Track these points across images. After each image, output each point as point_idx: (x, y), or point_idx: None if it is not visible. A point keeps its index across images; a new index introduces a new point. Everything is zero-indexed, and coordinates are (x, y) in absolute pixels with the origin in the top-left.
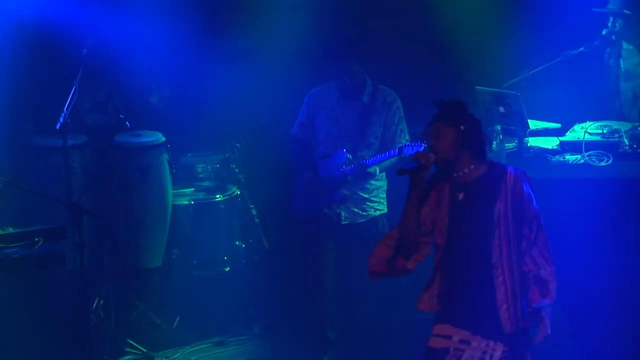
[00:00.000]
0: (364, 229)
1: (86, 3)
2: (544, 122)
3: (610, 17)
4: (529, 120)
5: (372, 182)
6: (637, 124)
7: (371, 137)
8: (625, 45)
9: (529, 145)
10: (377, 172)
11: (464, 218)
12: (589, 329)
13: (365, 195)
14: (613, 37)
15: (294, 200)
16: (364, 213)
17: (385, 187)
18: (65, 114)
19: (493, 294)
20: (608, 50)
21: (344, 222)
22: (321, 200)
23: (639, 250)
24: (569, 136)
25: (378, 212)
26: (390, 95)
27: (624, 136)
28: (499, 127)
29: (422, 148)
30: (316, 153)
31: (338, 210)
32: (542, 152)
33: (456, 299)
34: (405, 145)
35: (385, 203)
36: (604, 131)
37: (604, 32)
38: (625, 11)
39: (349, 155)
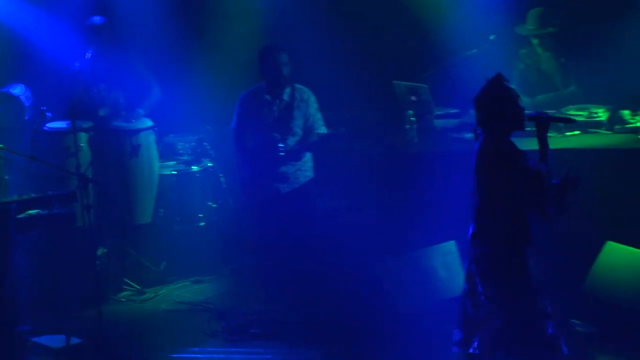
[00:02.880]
0: (299, 193)
1: (82, 32)
2: (447, 108)
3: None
4: (434, 106)
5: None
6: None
7: (295, 128)
8: (540, 50)
9: (434, 125)
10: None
11: None
12: None
13: (296, 168)
14: (535, 44)
15: (242, 184)
16: (297, 180)
17: (311, 158)
18: (73, 105)
19: None
20: (524, 51)
21: (283, 192)
22: (266, 180)
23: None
24: (466, 118)
25: (308, 178)
26: (306, 92)
27: None
28: (411, 112)
29: None
30: (253, 143)
31: (278, 185)
32: (445, 131)
33: None
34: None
35: (312, 169)
36: None
37: (491, 37)
38: (550, 29)
39: (281, 144)
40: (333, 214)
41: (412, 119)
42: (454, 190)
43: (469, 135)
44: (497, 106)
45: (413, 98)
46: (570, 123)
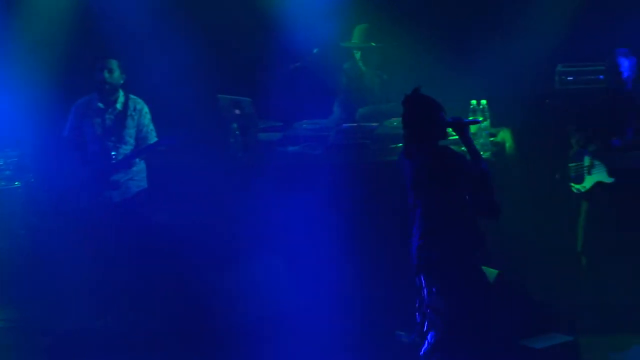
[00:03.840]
0: (132, 202)
1: None
2: (271, 121)
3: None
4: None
5: (133, 168)
6: (341, 121)
7: (127, 137)
8: (361, 64)
9: (259, 139)
10: (138, 160)
11: None
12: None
13: (128, 177)
14: (357, 58)
15: (73, 192)
16: (129, 190)
17: (144, 168)
18: None
19: None
20: (347, 66)
21: (115, 201)
22: (99, 189)
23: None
24: (290, 131)
25: (140, 188)
26: (140, 103)
27: (333, 131)
28: (235, 125)
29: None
30: (86, 151)
31: (110, 193)
32: (269, 144)
33: None
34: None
35: (145, 180)
36: (317, 127)
37: (315, 51)
38: (372, 44)
39: (113, 152)
40: (165, 225)
41: (236, 132)
42: (277, 202)
43: (292, 149)
44: (428, 118)
45: (237, 111)
46: (476, 124)
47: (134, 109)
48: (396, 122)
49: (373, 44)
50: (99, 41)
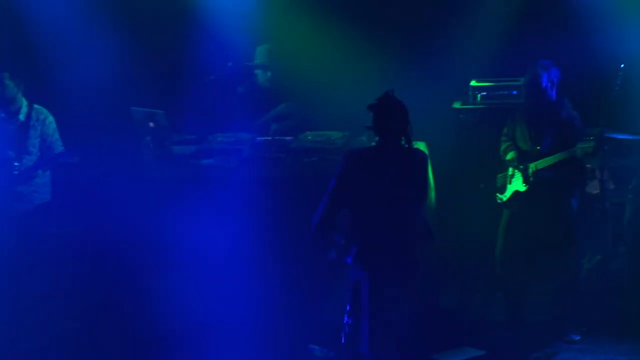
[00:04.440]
0: (34, 214)
1: None
2: (184, 134)
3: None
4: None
5: (37, 180)
6: (255, 135)
7: (30, 147)
8: (265, 83)
9: (173, 152)
10: (42, 173)
11: None
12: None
13: (32, 189)
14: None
15: None
16: (32, 202)
17: (49, 182)
18: None
19: None
20: (241, 89)
21: (19, 212)
22: (2, 200)
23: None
24: (204, 144)
25: (44, 200)
26: (43, 113)
27: (247, 145)
28: (149, 138)
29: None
30: None
31: (13, 205)
32: (183, 157)
33: None
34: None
35: (50, 194)
36: (232, 140)
37: (229, 64)
38: (274, 63)
39: (16, 163)
40: (72, 237)
41: (149, 145)
42: (189, 216)
43: (206, 162)
44: (405, 118)
45: (151, 124)
46: None
47: (37, 119)
48: (310, 135)
49: (273, 63)
50: (5, 47)
